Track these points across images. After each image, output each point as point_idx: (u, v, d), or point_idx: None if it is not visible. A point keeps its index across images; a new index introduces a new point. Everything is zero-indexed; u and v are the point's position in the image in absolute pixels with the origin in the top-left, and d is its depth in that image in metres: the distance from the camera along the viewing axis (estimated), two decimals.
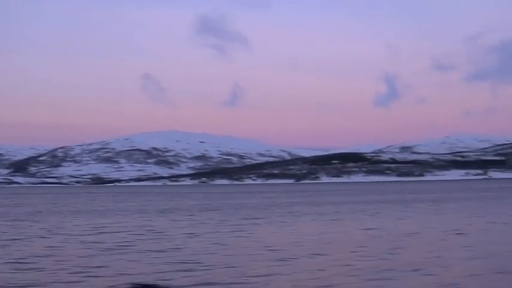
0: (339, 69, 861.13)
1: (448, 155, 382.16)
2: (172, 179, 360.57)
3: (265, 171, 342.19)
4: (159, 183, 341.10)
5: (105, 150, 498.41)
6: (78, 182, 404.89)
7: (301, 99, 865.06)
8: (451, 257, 22.18)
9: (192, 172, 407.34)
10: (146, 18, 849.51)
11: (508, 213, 46.76)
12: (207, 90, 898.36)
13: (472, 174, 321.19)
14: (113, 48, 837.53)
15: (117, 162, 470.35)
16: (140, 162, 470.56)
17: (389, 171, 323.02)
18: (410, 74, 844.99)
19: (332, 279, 17.66)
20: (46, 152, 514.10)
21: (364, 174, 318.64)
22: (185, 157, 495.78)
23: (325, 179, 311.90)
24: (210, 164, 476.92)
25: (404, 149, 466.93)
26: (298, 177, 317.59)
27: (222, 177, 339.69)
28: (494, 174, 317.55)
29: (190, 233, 34.40)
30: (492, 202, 66.86)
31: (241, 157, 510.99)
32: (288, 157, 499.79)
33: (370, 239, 29.44)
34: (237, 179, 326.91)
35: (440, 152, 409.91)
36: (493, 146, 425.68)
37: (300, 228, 36.51)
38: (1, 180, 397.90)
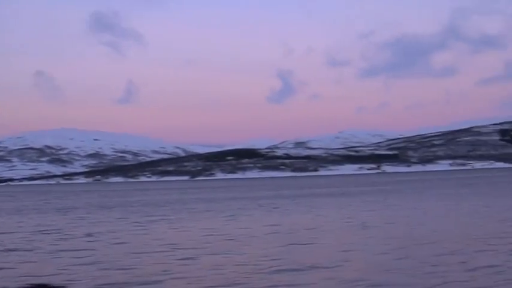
0: (233, 65, 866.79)
1: (342, 150, 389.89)
2: (66, 177, 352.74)
3: (160, 168, 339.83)
4: (52, 181, 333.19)
5: None
6: None
7: (196, 96, 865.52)
8: (356, 251, 21.70)
9: (86, 170, 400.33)
10: (39, 13, 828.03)
11: (405, 206, 47.22)
12: (101, 88, 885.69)
13: (366, 168, 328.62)
14: (4, 44, 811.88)
15: (9, 161, 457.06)
16: (33, 161, 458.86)
17: (284, 167, 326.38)
18: (305, 70, 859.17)
19: (234, 278, 16.80)
20: None
21: (259, 170, 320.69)
22: (79, 155, 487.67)
23: (220, 175, 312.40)
24: (104, 161, 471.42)
25: (299, 144, 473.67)
26: (193, 174, 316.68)
27: (116, 175, 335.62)
28: (388, 168, 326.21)
29: (89, 232, 33.49)
30: (388, 195, 67.90)
31: (135, 154, 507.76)
32: (182, 154, 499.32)
33: (270, 235, 28.90)
34: (131, 177, 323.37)
35: (334, 147, 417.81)
36: (386, 141, 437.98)
37: (200, 226, 35.69)
38: None
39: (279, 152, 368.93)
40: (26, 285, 4.74)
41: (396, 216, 37.66)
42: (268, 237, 27.61)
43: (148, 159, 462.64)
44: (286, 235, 28.39)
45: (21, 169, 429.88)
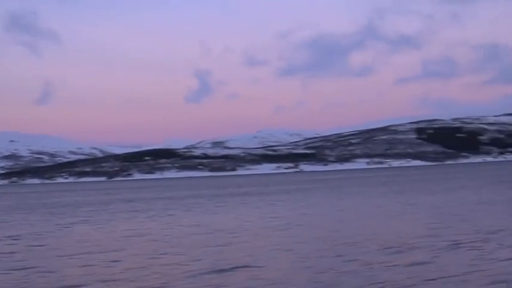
0: (151, 65, 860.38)
1: (260, 149, 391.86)
2: None
3: (77, 169, 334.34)
4: None
5: None
6: None
7: (113, 95, 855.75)
8: (280, 251, 21.85)
9: (1, 172, 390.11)
10: None
11: (325, 204, 47.84)
12: (18, 89, 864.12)
13: (284, 167, 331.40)
14: None
15: None
16: None
17: (201, 167, 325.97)
18: (223, 70, 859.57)
19: (159, 280, 16.70)
20: None
21: (177, 170, 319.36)
22: None
23: (137, 175, 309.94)
24: (20, 163, 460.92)
25: (216, 144, 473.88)
26: (110, 175, 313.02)
27: (33, 177, 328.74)
28: (305, 167, 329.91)
29: (8, 235, 32.61)
30: (307, 194, 68.58)
31: (52, 156, 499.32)
32: (100, 154, 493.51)
33: (193, 235, 28.73)
34: (48, 178, 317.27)
35: (252, 147, 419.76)
36: (304, 140, 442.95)
37: (122, 227, 35.30)
38: None
39: (197, 152, 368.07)
40: None
41: (317, 215, 38.11)
42: (191, 238, 27.43)
43: (65, 160, 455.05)
44: (209, 236, 28.28)
45: None
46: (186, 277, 17.12)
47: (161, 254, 22.29)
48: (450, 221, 29.39)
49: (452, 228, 26.20)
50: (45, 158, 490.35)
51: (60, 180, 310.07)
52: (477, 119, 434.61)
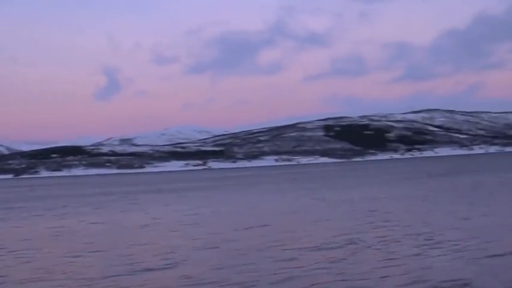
0: (58, 61, 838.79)
1: (168, 146, 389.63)
2: None
3: None
4: None
5: None
6: None
7: (19, 92, 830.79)
8: (192, 248, 21.90)
9: None
10: None
11: (235, 201, 48.08)
12: None
13: (192, 165, 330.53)
14: None
15: None
16: None
17: (109, 164, 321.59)
18: (131, 67, 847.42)
19: (64, 285, 16.48)
20: None
21: (85, 168, 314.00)
22: None
23: (45, 173, 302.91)
24: None
25: (124, 141, 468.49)
26: (17, 172, 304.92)
27: None
28: (214, 164, 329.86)
29: None
30: (217, 190, 68.72)
31: None
32: (6, 152, 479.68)
33: (99, 235, 28.44)
34: None
35: (160, 144, 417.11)
36: (212, 137, 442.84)
37: (29, 225, 34.58)
38: None
39: (105, 149, 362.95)
40: None
41: (229, 212, 38.35)
42: (98, 237, 27.22)
43: None
44: (118, 234, 28.11)
45: None
46: (101, 278, 16.97)
47: (76, 255, 21.97)
48: (361, 217, 30.01)
49: (367, 225, 26.79)
50: None
51: None
52: (384, 116, 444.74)
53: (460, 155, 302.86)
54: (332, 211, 34.27)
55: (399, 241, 20.83)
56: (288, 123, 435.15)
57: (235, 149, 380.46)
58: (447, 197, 40.33)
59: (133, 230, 29.51)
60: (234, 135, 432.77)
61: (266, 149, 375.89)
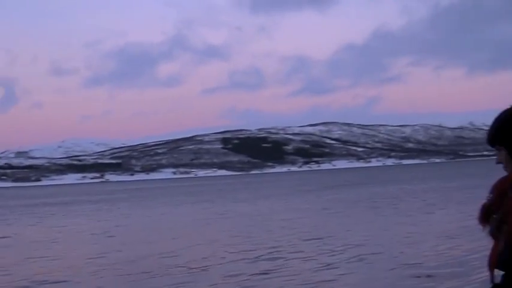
0: None
1: (65, 159, 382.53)
2: None
3: None
4: None
5: None
6: None
7: None
8: (95, 261, 21.83)
9: None
10: None
11: (136, 214, 47.86)
12: None
13: (89, 177, 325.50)
14: None
15: None
16: None
17: (5, 177, 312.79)
18: (29, 79, 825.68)
19: None
20: None
21: None
22: None
23: None
24: None
25: (20, 154, 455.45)
26: None
27: None
28: (111, 177, 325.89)
29: None
30: (116, 203, 68.07)
31: None
32: None
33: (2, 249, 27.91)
34: None
35: (57, 157, 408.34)
36: (110, 150, 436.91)
37: None
38: None
39: (0, 162, 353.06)
40: None
41: (131, 225, 38.24)
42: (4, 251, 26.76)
43: None
44: (15, 248, 27.68)
45: None
46: None
47: None
48: (263, 229, 30.52)
49: (267, 235, 27.25)
50: None
51: None
52: (282, 129, 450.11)
53: (358, 167, 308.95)
54: (228, 224, 34.71)
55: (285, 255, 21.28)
56: (186, 135, 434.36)
57: (133, 161, 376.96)
58: (339, 208, 41.33)
59: (33, 244, 29.09)
60: (132, 148, 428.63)
61: (164, 161, 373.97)
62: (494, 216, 2.87)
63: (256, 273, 17.02)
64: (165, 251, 23.21)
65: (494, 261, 2.84)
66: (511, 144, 2.90)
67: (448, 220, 28.76)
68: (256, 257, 20.29)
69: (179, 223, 37.34)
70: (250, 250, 22.15)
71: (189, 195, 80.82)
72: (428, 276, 15.13)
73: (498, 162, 3.00)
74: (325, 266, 17.83)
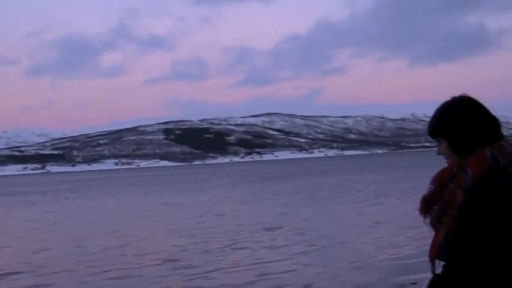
0: None
1: (5, 150, 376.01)
2: None
3: None
4: None
5: None
6: None
7: None
8: (44, 254, 21.40)
9: None
10: None
11: (82, 205, 47.22)
12: None
13: (31, 168, 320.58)
14: None
15: None
16: None
17: None
18: None
19: None
20: None
21: None
22: None
23: None
24: None
25: None
26: None
27: None
28: (52, 168, 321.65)
29: None
30: (61, 194, 67.07)
31: None
32: None
33: None
34: None
35: None
36: (51, 140, 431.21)
37: None
38: None
39: None
40: None
41: (78, 216, 37.64)
42: None
43: None
44: None
45: None
46: None
47: None
48: (207, 219, 30.32)
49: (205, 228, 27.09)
50: None
51: None
52: (225, 120, 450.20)
53: (300, 158, 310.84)
54: (168, 214, 34.44)
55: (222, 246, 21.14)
56: (128, 126, 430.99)
57: (75, 152, 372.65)
58: (284, 199, 41.37)
59: None
60: (74, 139, 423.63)
61: (106, 152, 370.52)
62: (435, 207, 2.93)
63: (205, 266, 16.83)
64: (115, 243, 22.89)
65: (435, 252, 2.90)
66: (452, 136, 2.95)
67: (391, 210, 29.04)
68: (206, 250, 20.10)
69: (123, 214, 36.90)
70: (203, 241, 21.96)
71: (133, 187, 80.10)
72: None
73: (439, 154, 3.06)
74: (274, 258, 17.67)
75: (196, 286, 14.34)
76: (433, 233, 2.97)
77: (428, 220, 2.99)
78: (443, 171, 2.98)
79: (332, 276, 14.61)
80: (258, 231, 24.08)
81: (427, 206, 3.00)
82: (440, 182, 2.93)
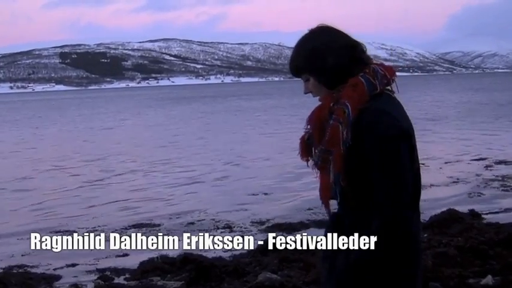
0: None
1: None
2: None
3: None
4: None
5: None
6: None
7: None
8: None
9: None
10: None
11: None
12: None
13: None
14: None
15: None
16: None
17: None
18: None
19: None
20: None
21: None
22: None
23: None
24: None
25: None
26: None
27: None
28: None
29: None
30: None
31: None
32: None
33: None
34: None
35: None
36: None
37: None
38: None
39: None
40: None
41: None
42: None
43: None
44: None
45: None
46: None
47: None
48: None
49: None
50: None
51: None
52: (121, 44, 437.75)
53: (196, 84, 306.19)
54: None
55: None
56: (23, 49, 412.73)
57: None
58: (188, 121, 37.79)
59: None
60: None
61: (0, 75, 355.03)
62: (317, 148, 2.67)
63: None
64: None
65: (328, 194, 2.70)
66: (317, 69, 2.67)
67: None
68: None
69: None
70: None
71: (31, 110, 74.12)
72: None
73: (307, 92, 2.79)
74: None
75: None
76: (319, 175, 2.72)
77: (311, 162, 2.73)
78: (319, 109, 2.71)
79: None
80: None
81: (306, 148, 2.76)
82: (319, 121, 2.67)
